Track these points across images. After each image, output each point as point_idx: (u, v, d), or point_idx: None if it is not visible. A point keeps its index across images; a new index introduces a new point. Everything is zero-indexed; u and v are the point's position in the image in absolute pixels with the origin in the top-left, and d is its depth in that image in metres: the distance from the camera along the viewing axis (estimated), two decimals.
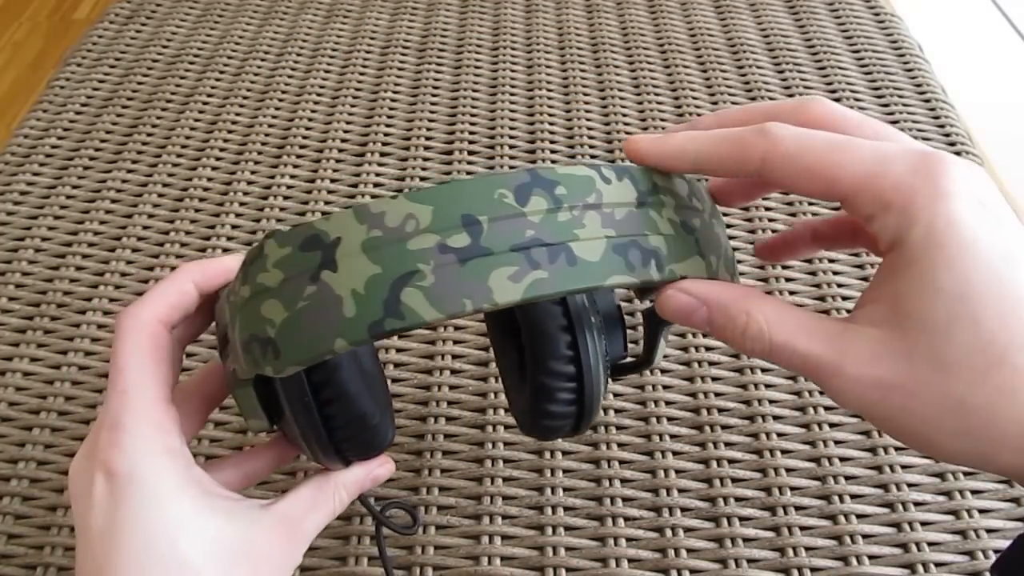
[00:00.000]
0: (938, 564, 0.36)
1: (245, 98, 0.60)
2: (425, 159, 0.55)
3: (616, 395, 0.42)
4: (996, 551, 0.36)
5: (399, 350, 0.44)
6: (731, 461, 0.39)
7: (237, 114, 0.58)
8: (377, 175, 0.54)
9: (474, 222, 0.22)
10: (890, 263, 0.21)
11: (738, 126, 0.24)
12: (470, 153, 0.55)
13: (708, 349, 0.44)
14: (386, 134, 0.57)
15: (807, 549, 0.36)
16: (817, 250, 0.31)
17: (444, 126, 0.57)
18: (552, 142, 0.55)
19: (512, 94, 0.59)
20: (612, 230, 0.23)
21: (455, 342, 0.44)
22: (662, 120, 0.57)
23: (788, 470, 0.39)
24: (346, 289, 0.22)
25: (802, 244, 0.30)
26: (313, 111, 0.58)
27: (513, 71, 0.61)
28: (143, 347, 0.27)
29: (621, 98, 0.59)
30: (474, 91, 0.60)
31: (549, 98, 0.59)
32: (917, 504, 0.38)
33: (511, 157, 0.55)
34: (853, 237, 0.29)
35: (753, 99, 0.58)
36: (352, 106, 0.59)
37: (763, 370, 0.43)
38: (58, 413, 0.42)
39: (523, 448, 0.40)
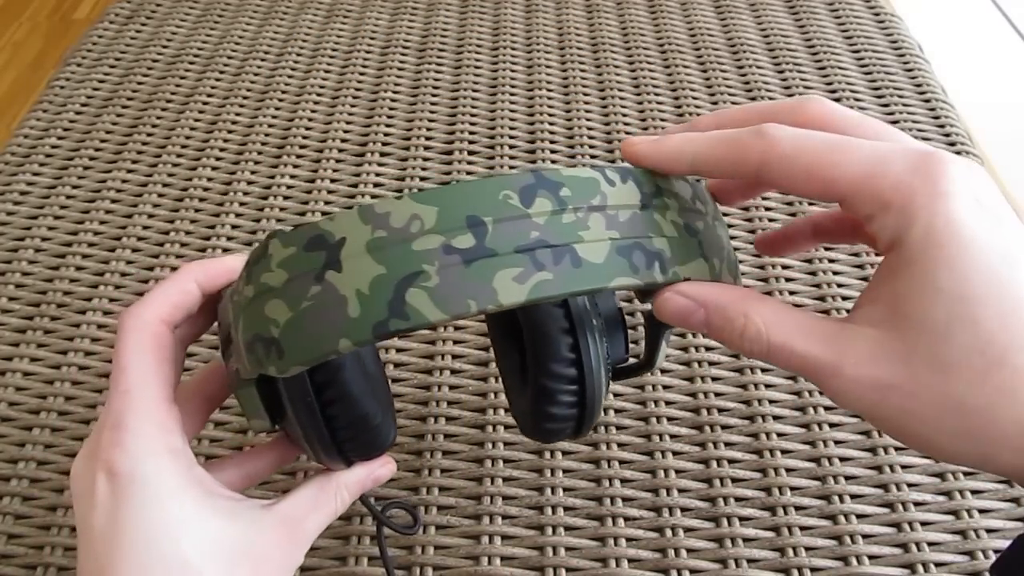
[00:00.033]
0: (938, 564, 0.36)
1: (245, 98, 0.60)
2: (425, 159, 0.55)
3: (616, 395, 0.42)
4: (996, 551, 0.36)
5: (399, 350, 0.44)
6: (731, 461, 0.39)
7: (237, 114, 0.58)
8: (377, 175, 0.54)
9: (479, 223, 0.22)
10: (889, 263, 0.21)
11: (736, 127, 0.23)
12: (470, 153, 0.55)
13: (708, 349, 0.44)
14: (386, 134, 0.57)
15: (807, 549, 0.36)
16: (818, 244, 0.30)
17: (444, 126, 0.57)
18: (552, 142, 0.55)
19: (512, 94, 0.59)
20: (616, 232, 0.23)
21: (455, 342, 0.45)
22: (662, 120, 0.57)
23: (788, 470, 0.39)
24: (351, 289, 0.22)
25: (802, 238, 0.30)
26: (313, 111, 0.58)
27: (513, 71, 0.61)
28: (146, 347, 0.27)
29: (621, 98, 0.59)
30: (474, 91, 0.60)
31: (549, 98, 0.59)
32: (917, 504, 0.38)
33: (511, 157, 0.55)
34: (854, 231, 0.29)
35: (753, 99, 0.58)
36: (352, 106, 0.59)
37: (763, 370, 0.43)
38: (58, 413, 0.42)
39: (523, 448, 0.40)
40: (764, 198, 0.52)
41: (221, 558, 0.25)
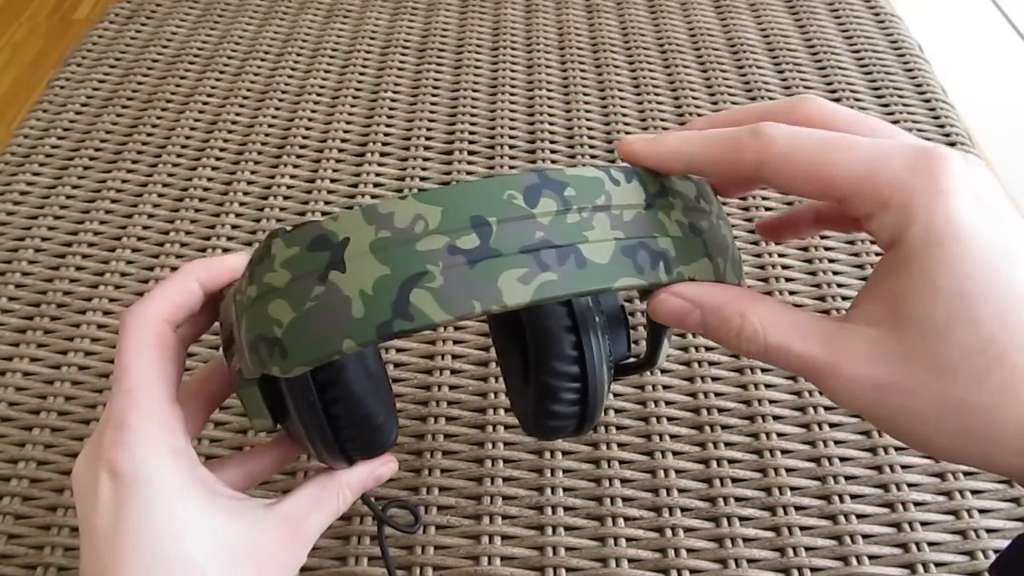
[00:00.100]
0: (938, 564, 0.36)
1: (245, 98, 0.60)
2: (425, 159, 0.55)
3: (616, 395, 0.42)
4: (996, 551, 0.36)
5: (399, 350, 0.44)
6: (731, 461, 0.39)
7: (237, 114, 0.58)
8: (377, 175, 0.54)
9: (483, 223, 0.22)
10: (888, 261, 0.21)
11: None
12: (470, 153, 0.55)
13: (708, 349, 0.44)
14: (386, 134, 0.57)
15: (807, 549, 0.36)
16: (819, 230, 0.30)
17: (444, 126, 0.57)
18: (552, 142, 0.55)
19: (512, 94, 0.59)
20: (621, 232, 0.23)
21: (455, 342, 0.45)
22: (662, 120, 0.57)
23: (788, 470, 0.39)
24: (354, 290, 0.22)
25: (804, 224, 0.30)
26: (313, 111, 0.58)
27: (513, 71, 0.61)
28: (148, 346, 0.27)
29: (621, 98, 0.59)
30: (474, 91, 0.60)
31: (549, 98, 0.59)
32: (917, 504, 0.38)
33: (511, 157, 0.55)
34: (856, 220, 0.28)
35: (753, 99, 0.58)
36: (352, 106, 0.59)
37: (763, 370, 0.43)
38: (58, 413, 0.42)
39: (523, 448, 0.40)
40: (764, 197, 0.52)
41: (224, 558, 0.25)
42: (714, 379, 0.43)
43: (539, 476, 0.39)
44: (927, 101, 0.58)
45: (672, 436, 0.40)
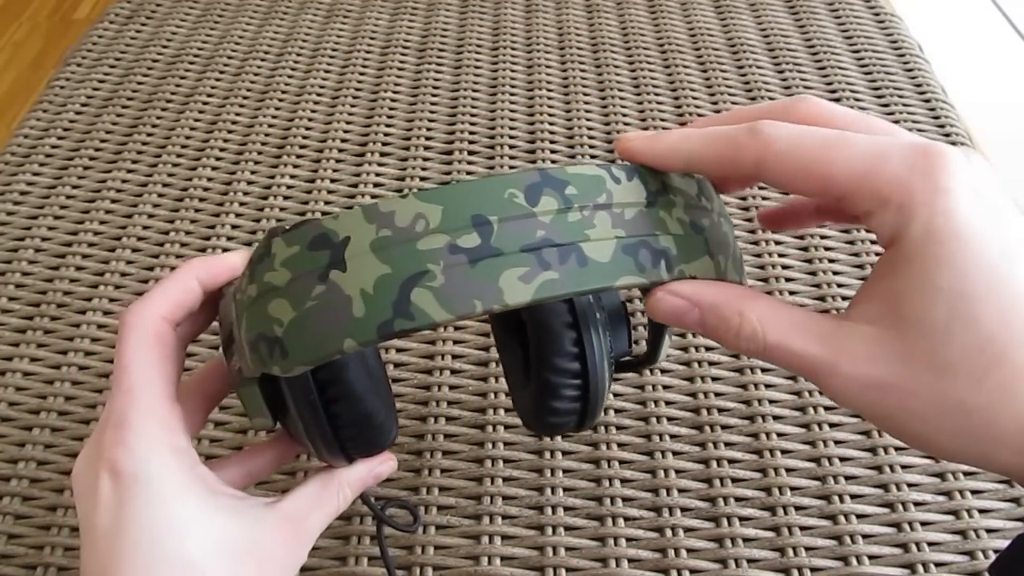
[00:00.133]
0: (938, 564, 0.36)
1: (245, 98, 0.60)
2: (425, 159, 0.55)
3: (616, 395, 0.42)
4: (996, 551, 0.36)
5: (399, 350, 0.44)
6: (731, 461, 0.39)
7: (237, 114, 0.58)
8: (377, 175, 0.54)
9: (484, 222, 0.22)
10: (888, 259, 0.21)
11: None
12: (470, 153, 0.55)
13: (708, 349, 0.44)
14: (386, 134, 0.57)
15: (807, 549, 0.36)
16: (820, 222, 0.30)
17: (444, 126, 0.57)
18: (552, 142, 0.55)
19: (512, 94, 0.59)
20: (622, 230, 0.23)
21: (455, 342, 0.45)
22: (662, 120, 0.57)
23: (788, 470, 0.39)
24: (355, 289, 0.22)
25: (805, 215, 0.30)
26: (313, 111, 0.58)
27: (513, 71, 0.61)
28: (148, 345, 0.26)
29: (621, 98, 0.59)
30: (474, 91, 0.60)
31: (549, 98, 0.59)
32: (917, 504, 0.38)
33: (511, 157, 0.55)
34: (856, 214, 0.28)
35: (753, 99, 0.58)
36: (352, 106, 0.59)
37: (763, 370, 0.43)
38: (58, 413, 0.42)
39: (523, 448, 0.40)
40: (764, 197, 0.52)
41: (225, 557, 0.25)
42: (714, 379, 0.43)
43: (539, 476, 0.39)
44: (927, 101, 0.58)
45: (672, 436, 0.40)
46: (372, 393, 0.28)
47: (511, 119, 0.57)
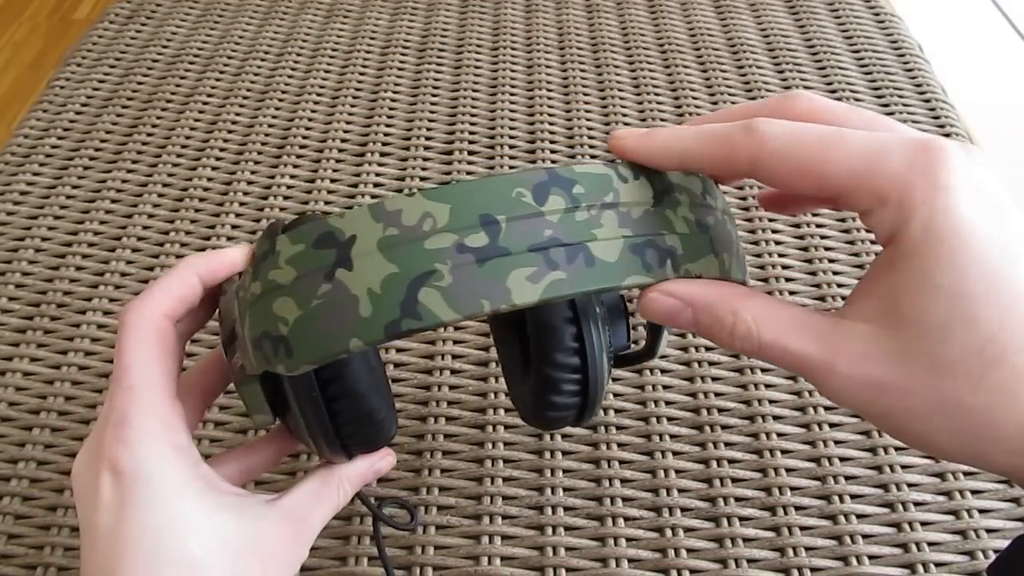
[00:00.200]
0: (938, 564, 0.36)
1: (245, 98, 0.60)
2: (425, 159, 0.55)
3: (616, 395, 0.42)
4: (996, 551, 0.36)
5: (399, 350, 0.44)
6: (731, 461, 0.39)
7: (237, 114, 0.58)
8: (377, 175, 0.54)
9: (492, 221, 0.22)
10: (887, 257, 0.21)
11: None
12: (470, 153, 0.55)
13: (708, 349, 0.44)
14: (386, 134, 0.57)
15: (807, 549, 0.36)
16: (821, 206, 0.30)
17: (444, 126, 0.57)
18: (552, 142, 0.55)
19: (512, 94, 0.59)
20: (629, 230, 0.22)
21: (455, 342, 0.44)
22: (662, 120, 0.57)
23: (788, 470, 0.39)
24: (362, 288, 0.22)
25: (806, 198, 0.29)
26: (313, 111, 0.58)
27: (513, 71, 0.61)
28: (149, 342, 0.26)
29: (621, 98, 0.59)
30: (474, 91, 0.60)
31: (549, 98, 0.59)
32: (917, 504, 0.38)
33: (511, 157, 0.55)
34: None
35: (753, 99, 0.58)
36: (352, 106, 0.59)
37: (763, 370, 0.43)
38: (58, 413, 0.42)
39: (523, 448, 0.40)
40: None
41: (227, 555, 0.25)
42: (714, 379, 0.43)
43: (539, 476, 0.39)
44: (927, 101, 0.58)
45: (672, 436, 0.40)
46: (373, 390, 0.28)
47: (511, 119, 0.57)
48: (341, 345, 0.22)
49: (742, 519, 0.38)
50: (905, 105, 0.57)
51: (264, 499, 0.28)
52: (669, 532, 0.37)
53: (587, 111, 0.58)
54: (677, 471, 0.39)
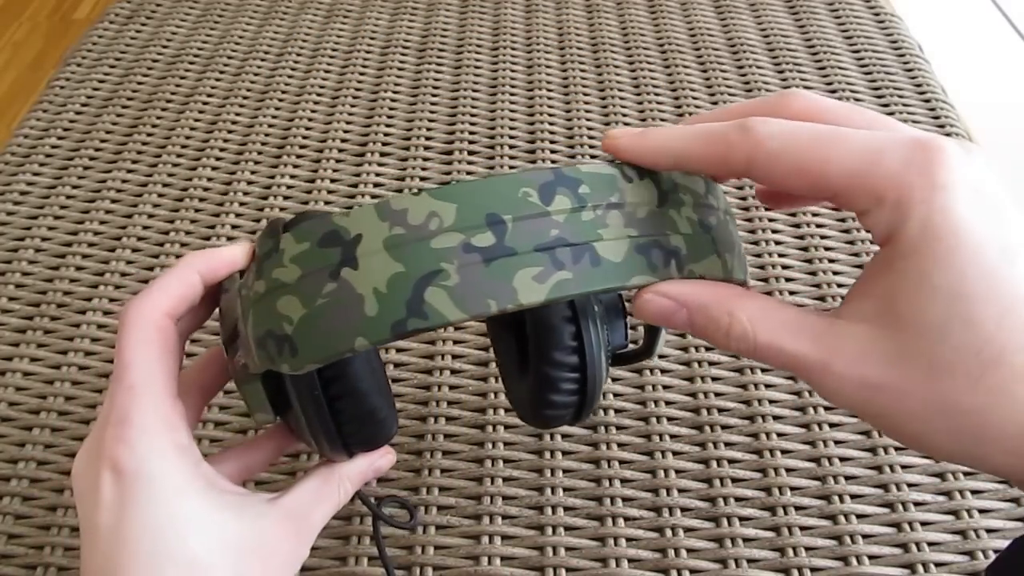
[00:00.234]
0: (938, 564, 0.36)
1: (245, 98, 0.60)
2: (425, 159, 0.55)
3: (616, 395, 0.42)
4: (996, 551, 0.36)
5: (399, 350, 0.44)
6: (731, 461, 0.39)
7: (237, 114, 0.58)
8: (377, 175, 0.54)
9: (499, 221, 0.22)
10: (884, 257, 0.21)
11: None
12: (470, 153, 0.55)
13: (708, 349, 0.44)
14: (386, 134, 0.57)
15: (807, 549, 0.36)
16: (819, 202, 0.29)
17: (444, 126, 0.57)
18: (552, 142, 0.55)
19: (512, 94, 0.59)
20: (634, 230, 0.22)
21: (455, 342, 0.44)
22: (662, 120, 0.57)
23: (788, 470, 0.39)
24: (367, 287, 0.22)
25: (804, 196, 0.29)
26: (313, 111, 0.58)
27: (513, 71, 0.61)
28: (150, 341, 0.26)
29: (621, 98, 0.59)
30: (474, 91, 0.60)
31: (549, 98, 0.59)
32: (917, 504, 0.38)
33: (511, 157, 0.55)
34: None
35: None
36: (352, 106, 0.59)
37: (763, 370, 0.43)
38: (58, 413, 0.42)
39: (523, 448, 0.40)
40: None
41: (229, 555, 0.25)
42: (714, 379, 0.42)
43: (539, 476, 0.39)
44: (927, 101, 0.58)
45: (672, 436, 0.40)
46: (375, 389, 0.28)
47: (511, 119, 0.57)
48: (347, 344, 0.22)
49: (742, 519, 0.38)
50: (905, 105, 0.57)
51: (265, 498, 0.28)
52: (669, 532, 0.37)
53: (587, 111, 0.58)
54: (677, 471, 0.39)
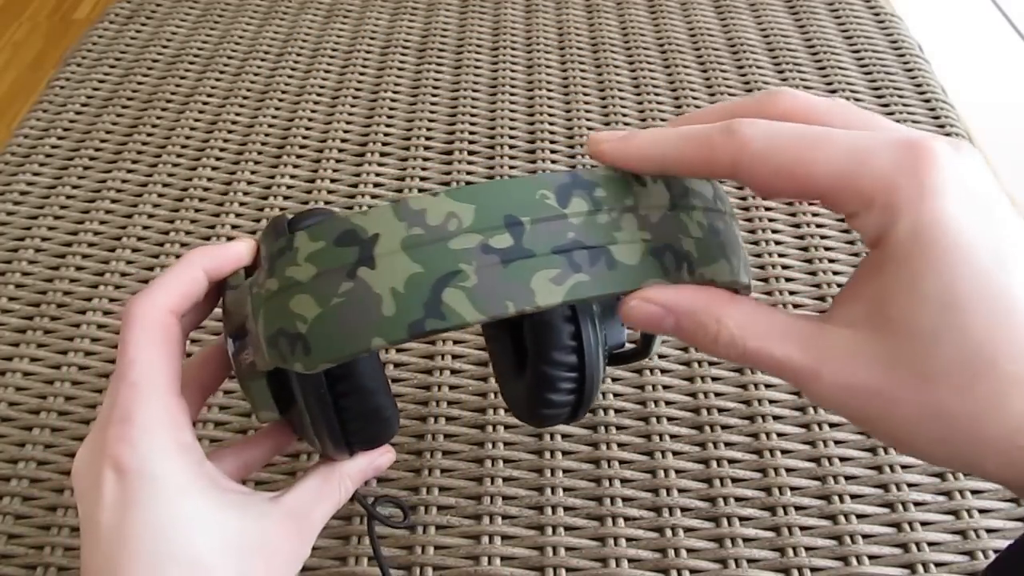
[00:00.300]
0: (938, 564, 0.36)
1: (245, 98, 0.60)
2: (425, 159, 0.55)
3: (616, 395, 0.42)
4: (996, 551, 0.36)
5: (399, 350, 0.44)
6: (731, 461, 0.39)
7: (237, 114, 0.58)
8: (377, 175, 0.54)
9: (517, 223, 0.22)
10: (873, 260, 0.20)
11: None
12: (470, 153, 0.55)
13: None
14: (386, 134, 0.57)
15: (807, 549, 0.36)
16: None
17: (444, 126, 0.57)
18: (552, 142, 0.55)
19: (512, 94, 0.59)
20: (648, 233, 0.23)
21: (455, 342, 0.44)
22: (662, 120, 0.57)
23: (788, 470, 0.39)
24: (385, 287, 0.22)
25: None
26: (313, 111, 0.58)
27: (513, 71, 0.61)
28: (155, 338, 0.26)
29: (621, 98, 0.59)
30: (474, 91, 0.60)
31: (549, 98, 0.59)
32: (917, 504, 0.38)
33: (511, 157, 0.55)
34: None
35: None
36: (352, 106, 0.59)
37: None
38: (58, 413, 0.42)
39: (523, 448, 0.40)
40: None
41: (232, 554, 0.25)
42: (714, 379, 0.42)
43: (539, 476, 0.39)
44: (927, 101, 0.58)
45: (672, 436, 0.40)
46: (380, 388, 0.28)
47: (511, 119, 0.57)
48: (363, 344, 0.22)
49: (742, 519, 0.38)
50: (905, 105, 0.57)
51: (267, 497, 0.28)
52: (669, 532, 0.37)
53: (587, 111, 0.58)
54: (677, 471, 0.39)
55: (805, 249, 0.49)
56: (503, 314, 0.21)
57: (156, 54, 0.64)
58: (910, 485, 0.38)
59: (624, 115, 0.57)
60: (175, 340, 0.27)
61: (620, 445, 0.40)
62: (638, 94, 0.59)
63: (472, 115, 0.58)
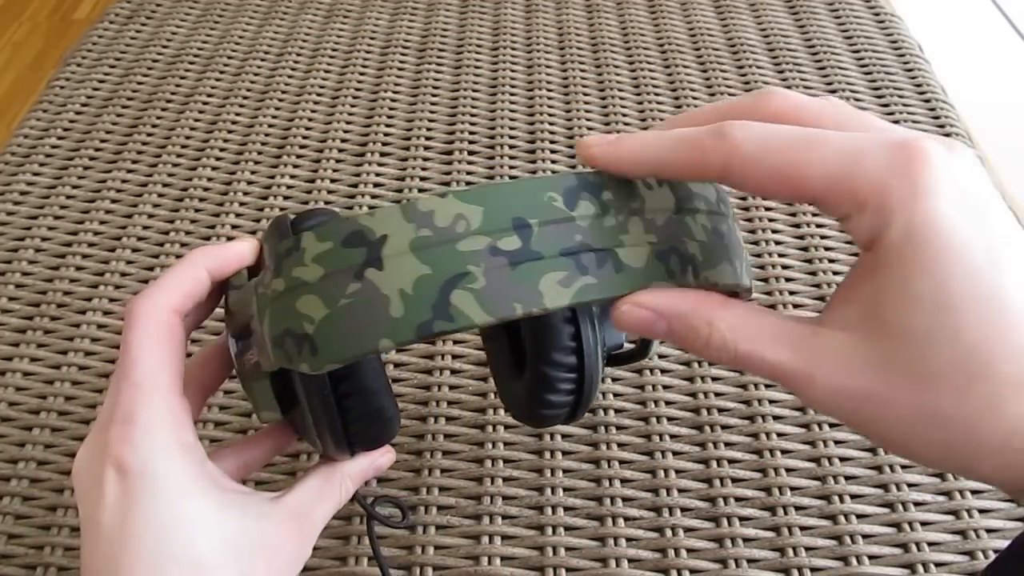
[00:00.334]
0: (938, 564, 0.36)
1: (245, 98, 0.60)
2: (425, 159, 0.55)
3: (616, 395, 0.42)
4: (996, 551, 0.36)
5: (400, 350, 0.44)
6: (731, 461, 0.39)
7: (237, 114, 0.58)
8: (377, 175, 0.54)
9: (525, 225, 0.22)
10: (867, 262, 0.20)
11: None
12: (470, 153, 0.55)
13: None
14: (386, 134, 0.57)
15: (807, 549, 0.36)
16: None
17: (444, 126, 0.57)
18: (552, 142, 0.55)
19: (512, 94, 0.59)
20: (654, 236, 0.23)
21: (455, 342, 0.44)
22: (662, 120, 0.57)
23: (788, 470, 0.39)
24: (393, 288, 0.22)
25: None
26: (313, 111, 0.58)
27: (513, 71, 0.61)
28: (158, 338, 0.26)
29: (621, 98, 0.59)
30: (474, 91, 0.60)
31: (549, 98, 0.59)
32: (917, 504, 0.38)
33: (511, 157, 0.55)
34: None
35: None
36: (352, 106, 0.59)
37: None
38: (58, 413, 0.42)
39: (523, 448, 0.40)
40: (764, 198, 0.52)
41: (233, 555, 0.25)
42: (714, 379, 0.42)
43: (539, 476, 0.39)
44: (927, 101, 0.58)
45: (672, 436, 0.40)
46: (383, 388, 0.28)
47: (511, 119, 0.57)
48: (370, 345, 0.22)
49: (742, 519, 0.38)
50: (905, 105, 0.57)
51: (268, 496, 0.28)
52: (669, 532, 0.37)
53: (587, 111, 0.58)
54: (677, 471, 0.39)
55: (805, 249, 0.49)
56: (511, 316, 0.21)
57: (156, 54, 0.64)
58: (910, 485, 0.38)
59: (624, 115, 0.57)
60: (178, 340, 0.27)
61: (620, 445, 0.40)
62: (638, 94, 0.59)
63: (472, 115, 0.58)
